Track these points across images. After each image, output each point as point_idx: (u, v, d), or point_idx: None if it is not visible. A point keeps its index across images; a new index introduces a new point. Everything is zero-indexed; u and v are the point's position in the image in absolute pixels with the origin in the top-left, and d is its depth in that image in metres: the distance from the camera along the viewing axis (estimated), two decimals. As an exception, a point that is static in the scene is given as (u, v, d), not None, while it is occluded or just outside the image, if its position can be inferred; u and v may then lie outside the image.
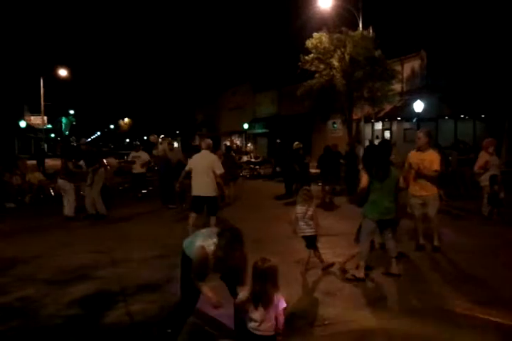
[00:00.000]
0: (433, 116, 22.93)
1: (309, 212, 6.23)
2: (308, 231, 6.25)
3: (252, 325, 3.41)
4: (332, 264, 6.44)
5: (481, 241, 7.90)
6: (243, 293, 3.45)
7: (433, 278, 6.03)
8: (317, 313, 4.94)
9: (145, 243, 8.15)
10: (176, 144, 33.73)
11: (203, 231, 4.24)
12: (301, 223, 6.25)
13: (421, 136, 7.45)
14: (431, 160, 7.17)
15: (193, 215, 8.38)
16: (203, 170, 8.24)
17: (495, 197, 9.58)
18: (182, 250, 4.15)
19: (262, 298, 3.35)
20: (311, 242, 6.33)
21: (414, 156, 7.41)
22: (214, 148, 10.00)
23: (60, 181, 11.18)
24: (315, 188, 13.65)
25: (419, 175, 7.16)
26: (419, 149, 7.40)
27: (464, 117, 24.41)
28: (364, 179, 6.01)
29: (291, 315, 4.68)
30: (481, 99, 22.62)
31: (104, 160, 11.80)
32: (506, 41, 21.51)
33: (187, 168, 8.48)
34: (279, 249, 7.46)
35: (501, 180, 9.76)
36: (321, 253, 6.45)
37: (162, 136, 40.37)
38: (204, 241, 3.89)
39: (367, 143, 23.31)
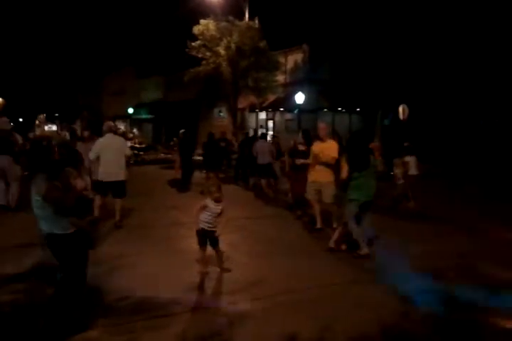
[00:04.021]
0: (313, 108, 23.84)
1: (220, 206, 5.52)
2: (210, 227, 5.51)
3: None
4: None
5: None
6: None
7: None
8: (192, 300, 4.90)
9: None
10: (55, 127, 31.88)
11: None
12: (205, 216, 5.50)
13: (323, 126, 7.90)
14: (330, 148, 7.63)
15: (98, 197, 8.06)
16: (116, 152, 7.97)
17: None
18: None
19: None
20: (212, 239, 5.57)
21: (316, 146, 7.82)
22: (97, 134, 9.56)
23: None
24: (198, 175, 13.78)
25: (319, 162, 7.59)
26: (321, 139, 7.81)
27: (341, 110, 25.86)
28: (345, 169, 6.51)
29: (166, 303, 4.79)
30: (357, 93, 24.18)
31: None
32: (383, 40, 23.19)
33: (96, 152, 7.91)
34: (165, 235, 7.52)
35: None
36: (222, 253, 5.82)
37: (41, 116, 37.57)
38: None
39: (251, 132, 23.67)
